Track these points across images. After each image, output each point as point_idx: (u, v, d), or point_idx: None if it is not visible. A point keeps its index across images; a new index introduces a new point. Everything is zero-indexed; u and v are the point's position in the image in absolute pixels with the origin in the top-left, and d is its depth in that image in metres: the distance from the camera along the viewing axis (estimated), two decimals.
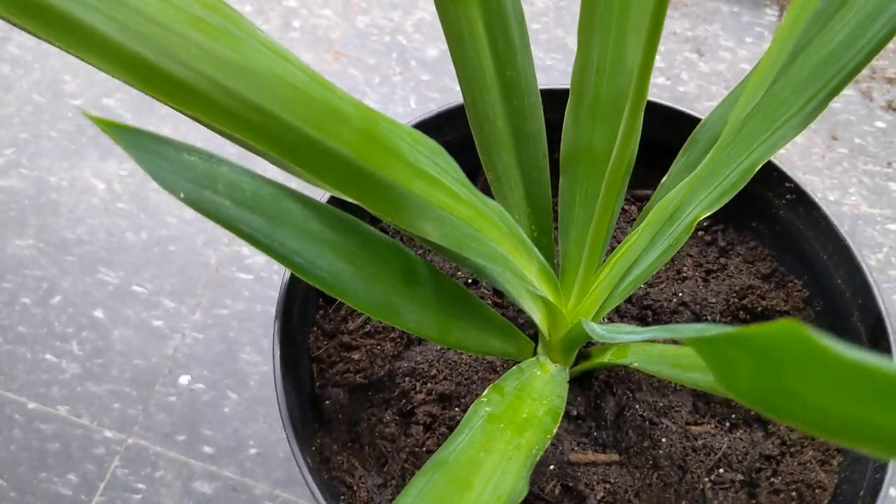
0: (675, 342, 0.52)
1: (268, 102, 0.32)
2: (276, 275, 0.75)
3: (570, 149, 0.46)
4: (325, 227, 0.36)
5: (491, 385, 0.41)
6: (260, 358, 0.71)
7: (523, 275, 0.42)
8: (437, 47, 0.87)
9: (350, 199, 0.36)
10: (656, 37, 0.31)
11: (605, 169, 0.38)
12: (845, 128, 0.82)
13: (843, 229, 0.51)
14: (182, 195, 0.30)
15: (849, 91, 0.84)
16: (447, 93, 0.85)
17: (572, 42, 0.87)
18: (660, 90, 0.85)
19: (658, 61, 0.87)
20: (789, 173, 0.52)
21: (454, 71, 0.44)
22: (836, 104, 0.83)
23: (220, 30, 0.30)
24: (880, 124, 0.82)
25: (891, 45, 0.87)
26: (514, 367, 0.44)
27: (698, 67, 0.86)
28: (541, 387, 0.43)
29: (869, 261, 0.75)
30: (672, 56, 0.87)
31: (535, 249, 0.44)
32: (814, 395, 0.23)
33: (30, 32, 0.28)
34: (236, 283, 0.75)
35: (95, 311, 0.73)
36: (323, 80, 0.34)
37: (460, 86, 0.45)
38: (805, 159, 0.81)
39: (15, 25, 0.27)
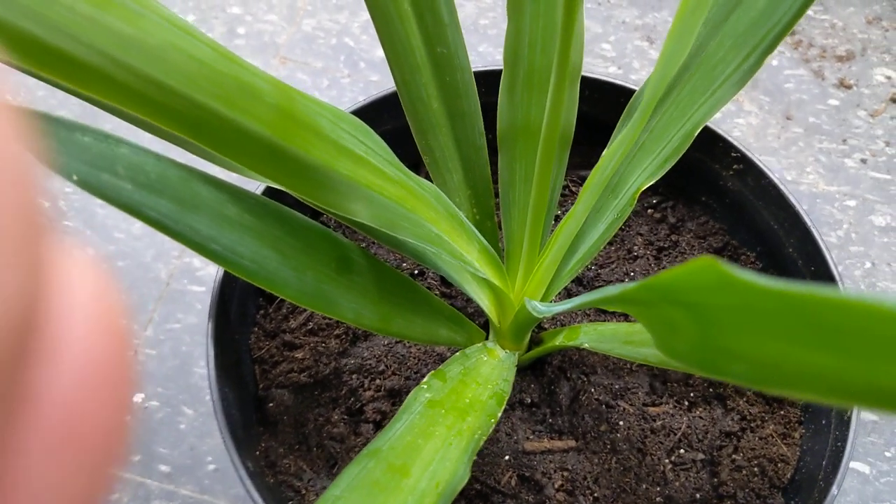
0: (627, 319, 0.51)
1: (169, 78, 0.30)
2: None
3: (507, 125, 0.45)
4: (245, 211, 0.35)
5: (432, 372, 0.39)
6: None
7: (462, 256, 0.41)
8: None
9: (270, 182, 0.34)
10: None
11: None
12: (799, 107, 0.82)
13: (802, 207, 0.50)
14: (75, 178, 0.28)
15: (801, 70, 0.84)
16: None
17: None
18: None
19: (609, 50, 0.86)
20: (734, 143, 0.51)
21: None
22: (788, 84, 0.83)
23: (113, 2, 0.29)
24: (833, 102, 0.82)
25: (839, 22, 0.87)
26: (458, 353, 0.43)
27: (649, 55, 0.86)
28: (487, 372, 0.41)
29: (829, 238, 0.74)
30: (622, 45, 0.86)
31: (476, 231, 0.43)
32: (742, 339, 0.21)
33: None
34: (188, 296, 0.73)
35: None
36: (232, 55, 0.32)
37: (390, 67, 0.44)
38: (760, 140, 0.80)
39: None
